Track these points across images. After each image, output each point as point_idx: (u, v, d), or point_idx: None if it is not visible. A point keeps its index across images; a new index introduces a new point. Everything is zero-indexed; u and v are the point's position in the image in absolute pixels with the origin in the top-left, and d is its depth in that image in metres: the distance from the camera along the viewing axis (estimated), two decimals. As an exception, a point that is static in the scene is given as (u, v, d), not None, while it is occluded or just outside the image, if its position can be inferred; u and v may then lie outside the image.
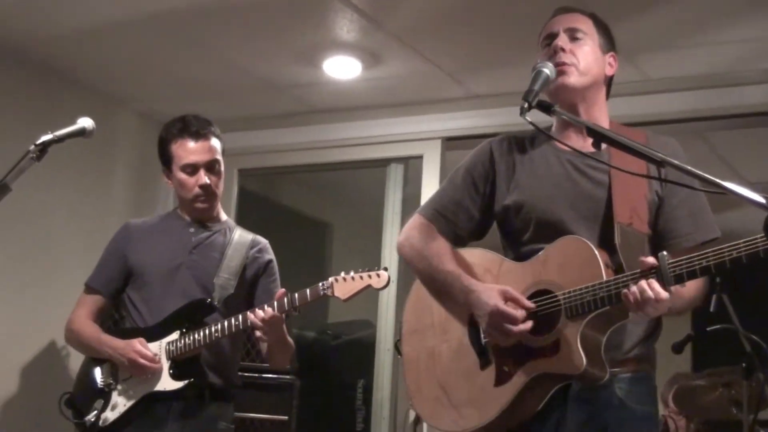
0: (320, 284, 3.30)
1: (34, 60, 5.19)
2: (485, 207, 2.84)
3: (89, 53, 5.12)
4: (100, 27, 4.74)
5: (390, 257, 5.65)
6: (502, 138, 2.88)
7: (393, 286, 5.60)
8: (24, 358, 5.14)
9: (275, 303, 3.34)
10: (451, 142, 5.55)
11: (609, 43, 2.83)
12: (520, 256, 2.71)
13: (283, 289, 3.39)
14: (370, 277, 3.27)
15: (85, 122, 3.03)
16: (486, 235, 2.91)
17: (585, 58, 2.73)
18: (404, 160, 5.81)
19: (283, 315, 3.36)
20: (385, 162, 5.84)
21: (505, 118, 5.03)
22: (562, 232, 2.61)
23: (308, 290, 3.31)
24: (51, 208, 5.32)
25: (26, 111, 5.16)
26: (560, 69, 2.67)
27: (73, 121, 3.03)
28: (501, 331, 2.55)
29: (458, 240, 2.85)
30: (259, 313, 3.33)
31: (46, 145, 2.87)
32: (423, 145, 5.59)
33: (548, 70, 2.57)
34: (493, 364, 2.64)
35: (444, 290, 2.75)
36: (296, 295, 3.31)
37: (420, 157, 5.61)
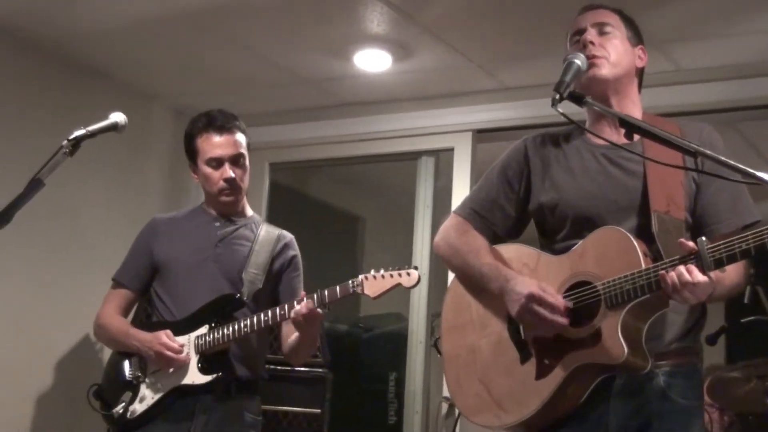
0: (350, 282, 3.31)
1: (68, 56, 5.23)
2: (521, 205, 2.85)
3: (122, 49, 5.14)
4: (134, 23, 4.77)
5: (421, 250, 5.64)
6: (536, 135, 2.88)
7: (425, 279, 5.60)
8: (58, 350, 5.18)
9: (305, 301, 3.34)
10: (482, 135, 5.53)
11: (637, 37, 2.83)
12: (558, 252, 2.70)
13: (304, 292, 3.39)
14: (400, 275, 3.27)
15: (118, 117, 3.04)
16: (522, 233, 2.91)
17: (615, 50, 2.73)
18: (435, 153, 5.79)
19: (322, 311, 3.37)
20: (416, 155, 5.82)
21: (537, 110, 5.03)
22: (598, 227, 2.60)
23: (338, 287, 3.32)
24: (84, 203, 5.36)
25: (59, 106, 5.19)
26: (591, 61, 2.67)
27: (105, 117, 3.05)
28: (535, 315, 2.55)
29: (495, 238, 2.86)
30: (298, 308, 3.33)
31: (78, 140, 2.89)
32: (454, 137, 5.58)
33: (580, 61, 2.56)
34: (534, 357, 2.63)
35: (482, 284, 2.76)
36: (326, 291, 3.32)
37: (451, 150, 5.59)
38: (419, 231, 5.73)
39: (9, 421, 4.90)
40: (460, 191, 5.41)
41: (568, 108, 2.41)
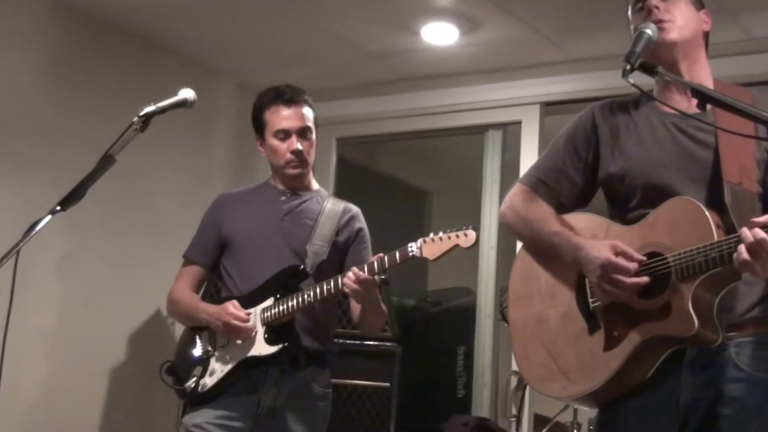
0: (409, 245, 3.29)
1: (136, 33, 5.28)
2: (588, 174, 2.80)
3: (189, 25, 5.18)
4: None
5: (489, 225, 5.63)
6: (604, 103, 2.83)
7: (492, 253, 5.59)
8: (132, 327, 5.27)
9: (365, 266, 3.35)
10: (550, 107, 5.50)
11: (699, 1, 2.77)
12: (628, 222, 2.66)
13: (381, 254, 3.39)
14: (457, 236, 3.24)
15: (187, 93, 3.06)
16: (590, 203, 2.87)
17: (681, 13, 2.68)
18: (503, 126, 5.77)
19: (375, 278, 3.37)
20: (483, 128, 5.80)
21: (605, 82, 4.98)
22: (669, 196, 2.55)
23: (397, 252, 3.30)
24: (155, 179, 5.43)
25: (129, 83, 5.25)
26: (659, 26, 2.61)
27: (174, 93, 3.07)
28: (612, 283, 2.52)
29: (561, 208, 2.81)
30: (350, 275, 3.34)
31: (148, 117, 2.91)
32: (521, 110, 5.54)
33: (651, 30, 2.52)
34: (602, 328, 2.60)
35: (550, 252, 2.73)
36: (386, 257, 3.31)
37: (518, 123, 5.56)
38: (487, 205, 5.71)
39: (85, 396, 5.00)
40: (528, 165, 5.29)
41: (639, 80, 2.38)
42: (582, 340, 2.64)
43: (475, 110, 5.69)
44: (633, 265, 2.51)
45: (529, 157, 5.40)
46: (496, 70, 5.52)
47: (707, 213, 2.44)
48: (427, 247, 3.26)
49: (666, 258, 2.49)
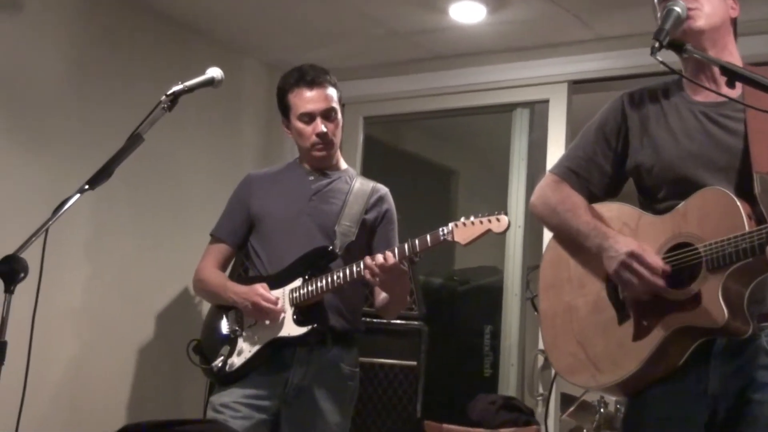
0: (440, 229, 3.29)
1: (164, 12, 5.28)
2: (618, 163, 2.79)
3: (217, 4, 5.17)
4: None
5: (516, 203, 5.62)
6: (633, 92, 2.81)
7: (519, 232, 5.58)
8: (159, 305, 5.29)
9: (395, 249, 3.35)
10: (577, 86, 5.46)
11: None
12: (659, 211, 2.65)
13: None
14: (489, 221, 3.24)
15: (214, 72, 3.07)
16: (620, 192, 2.87)
17: (708, 1, 2.64)
18: (530, 105, 5.74)
19: (405, 263, 3.37)
20: (510, 107, 5.78)
21: (634, 60, 4.95)
22: (698, 188, 2.54)
23: (428, 235, 3.30)
24: (182, 158, 5.44)
25: (157, 62, 5.26)
26: (687, 14, 2.59)
27: (202, 72, 3.08)
28: (634, 273, 2.51)
29: (592, 197, 2.81)
30: (379, 258, 3.34)
31: (176, 96, 2.92)
32: (549, 89, 5.51)
33: (680, 8, 2.49)
34: (632, 318, 2.59)
35: (579, 243, 2.72)
36: (416, 240, 3.31)
37: (546, 102, 5.53)
38: (514, 184, 5.70)
39: (113, 374, 5.03)
40: (556, 143, 5.36)
41: (667, 57, 2.36)
42: (611, 329, 2.64)
43: (503, 89, 5.67)
44: (658, 262, 2.50)
45: (556, 136, 5.38)
46: (524, 48, 5.49)
47: (739, 203, 2.43)
48: (459, 231, 3.25)
49: (697, 248, 2.48)
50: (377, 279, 3.35)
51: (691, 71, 2.70)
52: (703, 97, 2.67)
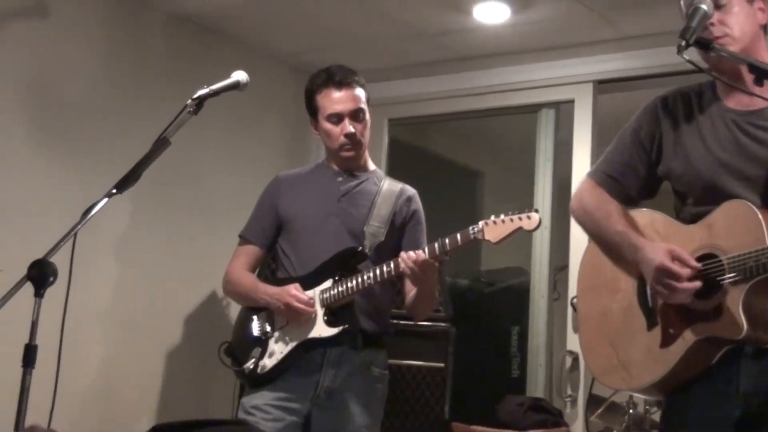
0: (471, 228, 3.29)
1: (190, 17, 5.31)
2: (653, 166, 2.81)
3: (241, 7, 5.19)
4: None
5: (542, 204, 5.60)
6: (666, 95, 2.82)
7: (546, 233, 5.57)
8: (188, 308, 5.32)
9: (426, 247, 3.35)
10: (603, 86, 5.44)
11: None
12: (688, 218, 2.68)
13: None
14: (520, 219, 3.23)
15: (240, 75, 3.09)
16: (657, 193, 2.89)
17: (736, 20, 2.62)
18: (555, 105, 5.72)
19: (436, 262, 3.37)
20: (535, 107, 5.77)
21: (660, 59, 4.92)
22: (727, 196, 2.55)
23: (459, 234, 3.30)
24: (208, 160, 5.46)
25: (182, 66, 5.29)
26: (718, 43, 2.57)
27: (227, 75, 3.09)
28: (665, 287, 2.53)
29: (629, 200, 2.84)
30: (411, 255, 3.34)
31: (202, 99, 2.94)
32: (574, 89, 5.49)
33: (706, 6, 2.48)
34: (659, 325, 2.63)
35: (614, 250, 2.76)
36: (447, 239, 3.31)
37: (572, 102, 5.51)
38: (540, 184, 5.68)
39: (143, 376, 5.06)
40: (582, 143, 5.35)
41: (694, 56, 2.35)
42: (641, 335, 2.68)
43: (528, 89, 5.65)
44: (686, 271, 2.52)
45: (582, 136, 5.37)
46: (549, 48, 5.48)
47: (761, 217, 2.44)
48: (489, 229, 3.25)
49: (721, 260, 2.49)
50: (411, 271, 3.35)
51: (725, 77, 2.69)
52: (734, 103, 2.68)
